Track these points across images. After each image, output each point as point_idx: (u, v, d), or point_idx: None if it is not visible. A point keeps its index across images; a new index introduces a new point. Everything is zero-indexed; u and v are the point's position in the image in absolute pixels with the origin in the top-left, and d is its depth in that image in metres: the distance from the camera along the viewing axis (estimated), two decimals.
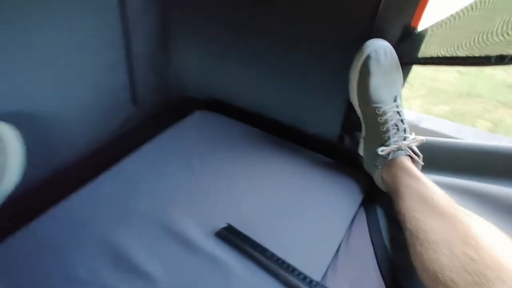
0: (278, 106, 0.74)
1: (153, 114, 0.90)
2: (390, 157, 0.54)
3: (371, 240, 0.49)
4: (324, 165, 0.63)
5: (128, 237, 0.52)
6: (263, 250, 0.47)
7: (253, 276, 0.46)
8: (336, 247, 0.49)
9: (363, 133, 0.61)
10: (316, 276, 0.45)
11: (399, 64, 0.58)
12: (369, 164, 0.60)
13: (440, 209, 0.42)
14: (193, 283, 0.46)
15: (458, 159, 0.55)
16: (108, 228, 0.54)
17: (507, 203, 0.47)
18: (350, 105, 0.62)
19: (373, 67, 0.57)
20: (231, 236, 0.50)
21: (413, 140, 0.55)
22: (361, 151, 0.62)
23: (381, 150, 0.55)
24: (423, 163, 0.53)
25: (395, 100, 0.57)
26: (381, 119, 0.56)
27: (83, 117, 0.72)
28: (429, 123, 0.68)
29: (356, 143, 0.64)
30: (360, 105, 0.59)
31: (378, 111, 0.56)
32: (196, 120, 0.77)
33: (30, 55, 0.56)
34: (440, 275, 0.36)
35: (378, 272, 0.45)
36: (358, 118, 0.61)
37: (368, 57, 0.56)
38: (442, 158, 0.56)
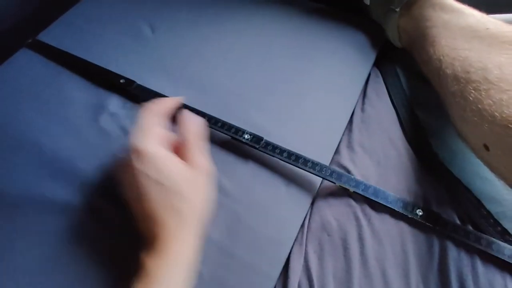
0: None
1: None
2: None
3: (392, 102, 0.37)
4: (320, 14, 0.46)
5: (65, 140, 0.36)
6: (257, 139, 0.34)
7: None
8: (347, 118, 0.37)
9: None
10: (325, 159, 0.34)
11: None
12: (379, 12, 0.43)
13: (504, 38, 0.28)
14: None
15: None
16: (37, 130, 0.37)
17: None
18: None
19: None
20: None
21: None
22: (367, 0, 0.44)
23: None
24: None
25: None
26: None
27: None
28: None
29: None
30: None
31: None
32: None
33: None
34: None
35: (404, 139, 0.34)
36: None
37: None
38: None
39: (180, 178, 0.25)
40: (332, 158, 0.35)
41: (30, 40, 0.44)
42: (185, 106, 0.37)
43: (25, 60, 0.42)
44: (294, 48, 0.42)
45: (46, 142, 0.36)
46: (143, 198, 0.24)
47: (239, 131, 0.34)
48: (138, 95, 0.38)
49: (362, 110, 0.37)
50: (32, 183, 0.33)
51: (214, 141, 0.35)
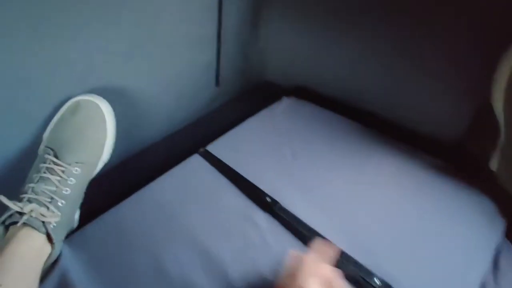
0: (383, 98, 0.62)
1: (233, 96, 0.82)
2: None
3: None
4: (445, 173, 0.50)
5: (217, 237, 0.44)
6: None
7: None
8: (476, 285, 0.37)
9: (502, 141, 0.47)
10: None
11: None
12: (508, 178, 0.46)
13: None
14: None
15: None
16: (197, 222, 0.46)
17: None
18: (482, 102, 0.49)
19: None
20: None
21: None
22: (494, 165, 0.48)
23: None
24: None
25: None
26: None
27: (168, 93, 0.64)
28: None
29: (485, 151, 0.50)
30: (506, 108, 0.45)
31: None
32: (285, 107, 0.67)
33: (118, 23, 0.48)
34: None
35: None
36: (492, 120, 0.48)
37: None
38: None
39: None
40: None
41: (201, 149, 0.57)
42: (317, 234, 0.42)
43: (196, 165, 0.55)
44: (414, 204, 0.46)
45: (200, 238, 0.44)
46: None
47: (369, 273, 0.38)
48: (280, 215, 0.45)
49: (496, 283, 0.38)
50: (186, 272, 0.40)
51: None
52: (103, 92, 0.49)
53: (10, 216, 0.36)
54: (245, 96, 0.83)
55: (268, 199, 0.47)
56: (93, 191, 0.47)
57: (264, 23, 0.73)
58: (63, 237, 0.41)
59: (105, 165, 0.49)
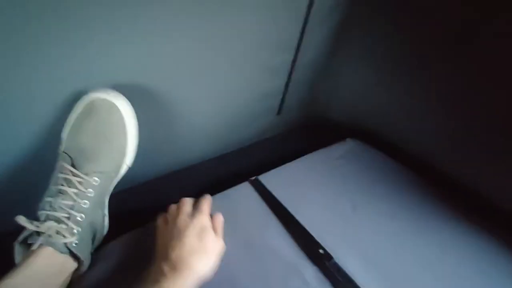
0: (458, 159, 0.53)
1: (292, 128, 0.78)
2: None
3: None
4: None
5: (255, 284, 0.39)
6: None
7: None
8: None
9: None
10: None
11: None
12: None
13: None
14: None
15: None
16: (234, 260, 0.40)
17: None
18: None
19: None
20: None
21: None
22: None
23: None
24: None
25: None
26: None
27: (225, 112, 0.62)
28: None
29: None
30: None
31: None
32: (347, 149, 0.61)
33: (188, 43, 0.45)
34: None
35: None
36: None
37: None
38: None
39: (213, 245, 0.37)
40: None
41: (252, 178, 0.53)
42: None
43: (244, 194, 0.50)
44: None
45: (237, 278, 0.39)
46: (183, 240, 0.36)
47: None
48: (333, 272, 0.38)
49: None
50: None
51: None
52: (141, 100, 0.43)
53: (29, 235, 0.33)
54: (304, 130, 0.79)
55: (321, 251, 0.41)
56: (132, 203, 0.45)
57: (338, 61, 0.70)
58: (89, 249, 0.38)
59: (150, 178, 0.46)
